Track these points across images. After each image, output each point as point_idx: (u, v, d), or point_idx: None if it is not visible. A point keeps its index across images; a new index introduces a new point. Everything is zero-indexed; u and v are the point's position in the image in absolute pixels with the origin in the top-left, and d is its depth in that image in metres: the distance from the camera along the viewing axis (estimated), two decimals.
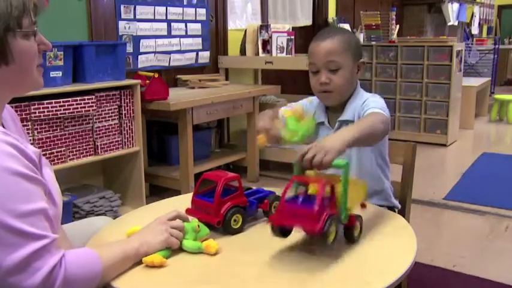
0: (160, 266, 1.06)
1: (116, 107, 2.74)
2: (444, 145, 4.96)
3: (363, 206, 1.27)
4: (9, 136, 0.94)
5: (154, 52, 3.48)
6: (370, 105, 1.50)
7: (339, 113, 1.61)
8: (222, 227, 1.22)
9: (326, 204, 1.09)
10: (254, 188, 1.41)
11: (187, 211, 1.29)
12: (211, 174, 1.28)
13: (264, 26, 3.95)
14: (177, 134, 3.16)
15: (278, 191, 1.41)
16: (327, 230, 1.06)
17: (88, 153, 2.63)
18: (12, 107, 2.28)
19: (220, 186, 1.22)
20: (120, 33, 3.22)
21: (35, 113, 2.34)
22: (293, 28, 4.29)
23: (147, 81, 2.99)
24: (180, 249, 1.15)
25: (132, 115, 2.81)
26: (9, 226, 0.88)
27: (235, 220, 1.24)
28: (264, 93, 3.81)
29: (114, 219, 1.47)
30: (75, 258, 0.96)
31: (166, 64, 3.59)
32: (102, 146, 2.67)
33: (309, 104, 1.71)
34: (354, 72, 1.58)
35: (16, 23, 0.96)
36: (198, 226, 1.17)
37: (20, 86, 1.03)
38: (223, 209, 1.22)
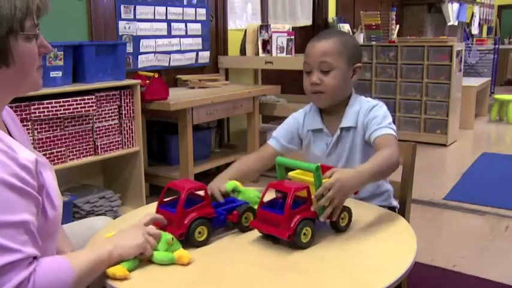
0: (123, 279, 1.02)
1: (116, 107, 2.74)
2: (444, 145, 4.95)
3: (355, 192, 1.29)
4: (0, 142, 0.92)
5: (154, 52, 3.48)
6: (380, 122, 1.49)
7: (337, 119, 1.59)
8: (186, 239, 1.15)
9: (300, 208, 1.15)
10: (231, 197, 1.36)
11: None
12: (176, 183, 1.23)
13: (264, 26, 3.95)
14: (177, 134, 3.16)
15: None
16: (299, 234, 1.13)
17: (88, 153, 2.62)
18: (12, 107, 2.28)
19: (184, 196, 1.16)
20: (120, 33, 3.22)
21: (35, 113, 2.34)
22: (293, 28, 4.29)
23: (147, 81, 2.99)
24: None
25: (132, 115, 2.81)
26: None
27: (200, 232, 1.17)
28: (264, 93, 3.81)
29: (114, 219, 1.47)
30: (47, 272, 0.92)
31: (166, 64, 3.59)
32: (102, 146, 2.67)
33: (298, 116, 1.68)
34: (348, 75, 1.55)
35: (19, 25, 0.95)
36: (172, 239, 1.12)
37: (19, 88, 1.03)
38: (187, 220, 1.15)
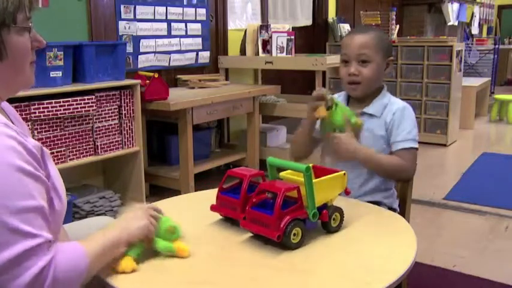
0: (132, 271, 1.05)
1: (116, 107, 2.74)
2: (444, 145, 4.95)
3: (347, 192, 1.33)
4: (10, 129, 0.92)
5: (154, 52, 3.48)
6: (409, 131, 1.59)
7: (362, 106, 1.66)
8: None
9: (290, 209, 1.15)
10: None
11: (212, 208, 1.30)
12: (236, 170, 1.31)
13: (264, 26, 3.95)
14: (177, 134, 3.16)
15: None
16: (289, 235, 1.13)
17: (88, 153, 2.62)
18: (12, 107, 2.26)
19: (246, 182, 1.22)
20: (120, 33, 3.22)
21: (35, 113, 2.34)
22: (293, 28, 4.29)
23: (147, 81, 2.99)
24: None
25: (132, 115, 2.81)
26: (4, 222, 0.87)
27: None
28: (264, 93, 3.81)
29: (114, 219, 1.47)
30: (64, 258, 0.94)
31: (166, 64, 3.59)
32: (102, 146, 2.67)
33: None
34: (382, 68, 1.65)
35: (11, 18, 0.95)
36: (174, 228, 1.14)
37: (12, 83, 1.02)
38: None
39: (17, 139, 0.92)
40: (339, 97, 1.72)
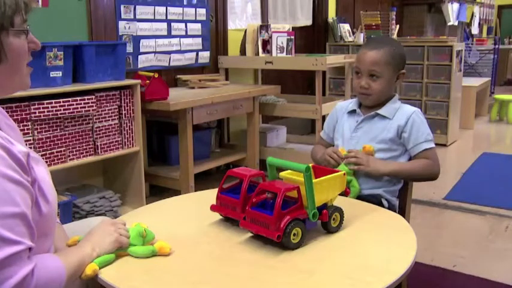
0: (95, 276, 1.04)
1: (116, 107, 2.74)
2: (444, 145, 4.95)
3: (347, 192, 1.39)
4: None
5: (154, 52, 3.48)
6: (426, 137, 1.69)
7: (374, 109, 1.76)
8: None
9: (290, 209, 1.15)
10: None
11: (212, 208, 1.30)
12: (236, 170, 1.32)
13: (264, 26, 3.95)
14: (177, 134, 3.16)
15: None
16: (289, 235, 1.13)
17: (88, 153, 2.62)
18: (12, 107, 2.28)
19: (246, 182, 1.24)
20: (120, 33, 3.22)
21: (35, 113, 2.34)
22: (293, 28, 4.29)
23: (147, 81, 2.98)
24: (184, 249, 1.15)
25: (132, 115, 2.81)
26: None
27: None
28: (264, 93, 3.81)
29: (114, 219, 1.47)
30: (45, 270, 0.94)
31: (166, 64, 3.59)
32: (102, 146, 2.67)
33: (341, 103, 1.91)
34: (392, 81, 1.76)
35: (9, 22, 0.96)
36: (145, 231, 1.15)
37: (8, 85, 1.02)
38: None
39: (3, 146, 0.91)
40: (350, 104, 1.84)
